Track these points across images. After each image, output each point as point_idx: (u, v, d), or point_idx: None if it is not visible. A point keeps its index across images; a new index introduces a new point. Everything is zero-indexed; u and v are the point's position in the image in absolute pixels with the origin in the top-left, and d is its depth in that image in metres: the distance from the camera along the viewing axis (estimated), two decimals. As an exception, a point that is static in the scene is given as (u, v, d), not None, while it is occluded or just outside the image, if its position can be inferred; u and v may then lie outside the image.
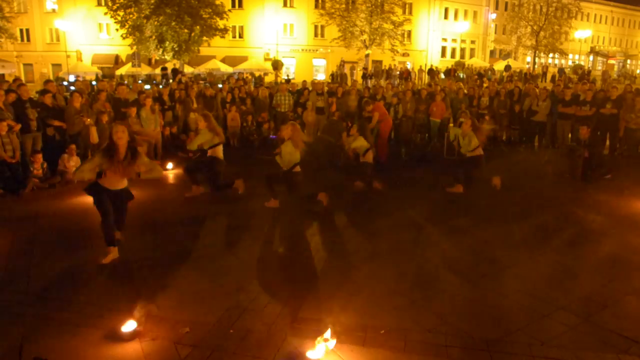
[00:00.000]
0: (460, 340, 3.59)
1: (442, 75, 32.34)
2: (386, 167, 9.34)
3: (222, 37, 29.70)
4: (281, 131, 6.80)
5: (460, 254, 5.25)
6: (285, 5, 38.42)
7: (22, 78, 32.52)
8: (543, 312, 3.98)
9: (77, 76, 28.14)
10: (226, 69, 32.56)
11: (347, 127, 8.36)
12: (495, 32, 46.73)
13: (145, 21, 26.26)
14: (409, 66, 38.14)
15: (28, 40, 36.15)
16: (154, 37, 26.80)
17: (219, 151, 7.09)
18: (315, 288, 4.39)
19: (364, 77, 30.27)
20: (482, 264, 5.02)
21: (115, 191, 4.93)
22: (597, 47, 54.75)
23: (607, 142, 10.90)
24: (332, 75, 32.77)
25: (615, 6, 56.45)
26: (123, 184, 5.02)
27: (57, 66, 34.77)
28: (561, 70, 38.44)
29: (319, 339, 3.38)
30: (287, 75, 31.11)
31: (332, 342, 3.40)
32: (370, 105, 9.77)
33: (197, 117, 7.50)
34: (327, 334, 3.40)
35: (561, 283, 4.57)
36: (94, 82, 17.75)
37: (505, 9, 46.25)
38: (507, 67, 35.19)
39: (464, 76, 33.07)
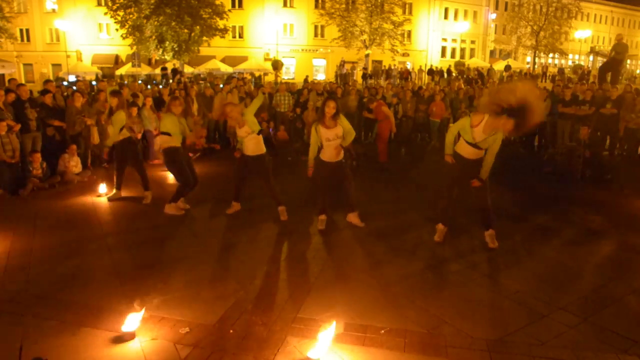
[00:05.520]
0: (460, 340, 3.59)
1: (438, 77, 32.21)
2: (386, 167, 9.36)
3: (222, 37, 29.68)
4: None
5: (460, 254, 5.24)
6: (285, 5, 38.41)
7: (22, 78, 32.64)
8: (543, 312, 3.98)
9: (77, 76, 28.15)
10: (226, 69, 32.53)
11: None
12: (495, 32, 46.71)
13: (145, 21, 26.25)
14: (409, 66, 38.13)
15: (28, 40, 36.08)
16: (154, 37, 26.80)
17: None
18: (315, 288, 4.39)
19: (364, 77, 30.23)
20: (482, 264, 5.02)
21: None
22: (597, 47, 54.68)
23: (607, 142, 10.90)
24: (336, 75, 32.45)
25: (615, 6, 56.39)
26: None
27: (57, 66, 34.73)
28: (561, 70, 38.41)
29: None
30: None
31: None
32: (375, 103, 9.85)
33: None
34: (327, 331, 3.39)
35: (561, 283, 4.57)
36: (94, 82, 17.74)
37: (505, 9, 46.23)
38: (507, 67, 35.17)
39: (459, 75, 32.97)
